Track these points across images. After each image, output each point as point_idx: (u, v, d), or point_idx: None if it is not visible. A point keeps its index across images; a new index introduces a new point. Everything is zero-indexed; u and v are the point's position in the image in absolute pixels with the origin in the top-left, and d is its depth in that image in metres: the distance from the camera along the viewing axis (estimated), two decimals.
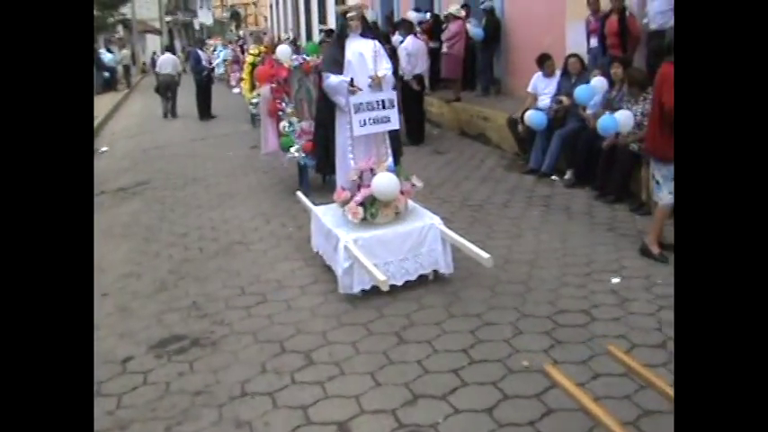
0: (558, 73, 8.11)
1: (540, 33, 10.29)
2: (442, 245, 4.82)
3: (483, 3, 11.85)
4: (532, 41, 10.37)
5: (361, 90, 4.88)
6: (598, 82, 7.12)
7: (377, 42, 5.12)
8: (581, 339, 3.96)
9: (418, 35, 11.21)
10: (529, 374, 3.61)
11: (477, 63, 12.13)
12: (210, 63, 18.16)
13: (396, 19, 15.25)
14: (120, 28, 37.47)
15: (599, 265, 5.09)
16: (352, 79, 4.90)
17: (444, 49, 11.57)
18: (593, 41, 8.95)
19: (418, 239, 4.78)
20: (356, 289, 4.64)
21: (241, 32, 36.22)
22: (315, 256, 5.43)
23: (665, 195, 5.04)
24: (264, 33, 25.86)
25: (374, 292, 4.56)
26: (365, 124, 4.85)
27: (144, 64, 38.35)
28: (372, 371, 3.75)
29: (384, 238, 4.73)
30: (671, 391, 2.56)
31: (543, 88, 8.22)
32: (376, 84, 4.91)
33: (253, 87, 10.51)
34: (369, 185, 4.80)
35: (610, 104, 7.01)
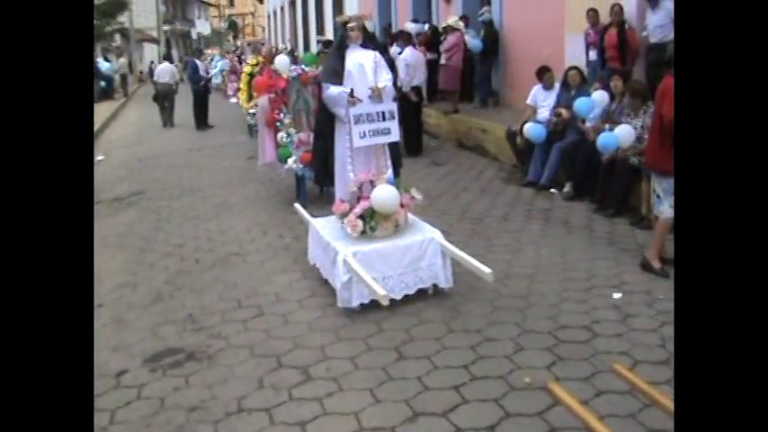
0: (557, 85, 8.09)
1: (538, 45, 10.30)
2: (442, 259, 4.76)
3: (482, 14, 11.88)
4: (531, 54, 10.38)
5: (361, 101, 4.83)
6: (599, 95, 7.09)
7: (377, 53, 5.08)
8: (583, 356, 3.90)
9: (416, 46, 11.21)
10: (531, 391, 3.55)
11: (476, 75, 12.15)
12: (208, 73, 18.15)
13: (394, 30, 15.27)
14: (117, 37, 37.45)
15: (600, 280, 5.05)
16: (352, 90, 4.86)
17: (442, 61, 11.58)
18: (593, 54, 8.96)
19: (418, 253, 4.72)
20: (355, 303, 4.57)
21: (239, 43, 36.24)
22: (312, 269, 5.37)
23: (665, 209, 5.00)
24: (262, 44, 25.86)
25: (373, 306, 4.50)
26: (365, 136, 4.79)
27: (141, 73, 38.34)
28: (372, 387, 3.69)
29: (383, 251, 4.67)
30: None
31: (542, 101, 8.20)
32: (376, 95, 4.87)
33: (250, 98, 10.48)
34: (368, 198, 4.75)
35: (609, 117, 6.99)
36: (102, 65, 26.39)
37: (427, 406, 3.47)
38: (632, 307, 4.54)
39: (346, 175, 4.96)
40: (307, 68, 7.55)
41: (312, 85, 7.33)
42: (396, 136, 4.99)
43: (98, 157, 12.72)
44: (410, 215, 5.01)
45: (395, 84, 5.10)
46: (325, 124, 5.19)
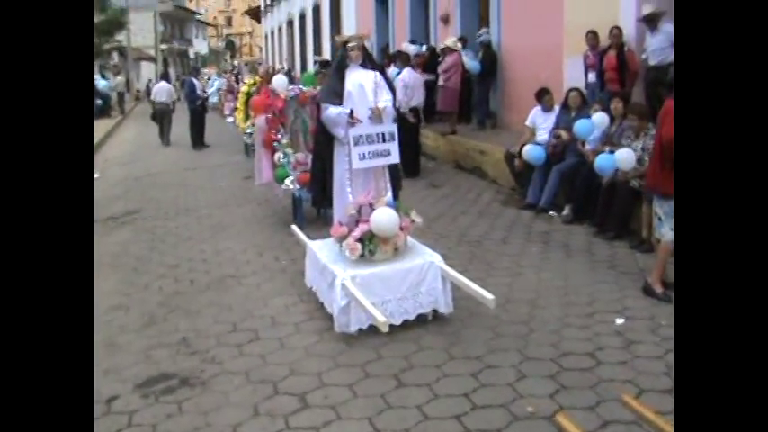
0: (556, 108, 8.06)
1: (537, 67, 10.30)
2: (442, 283, 4.66)
3: (480, 36, 11.90)
4: (529, 75, 10.38)
5: (360, 122, 4.77)
6: (599, 118, 7.06)
7: (377, 73, 5.03)
8: (587, 384, 3.80)
9: (414, 68, 11.20)
10: (534, 421, 3.45)
11: (474, 96, 12.13)
12: (205, 92, 18.15)
13: (391, 51, 15.29)
14: (115, 55, 37.55)
15: (602, 305, 4.96)
16: (351, 111, 4.79)
17: (440, 82, 11.55)
18: (591, 76, 8.94)
19: (418, 277, 4.63)
20: (353, 328, 4.47)
21: (236, 62, 36.43)
22: (309, 292, 5.27)
23: (667, 232, 4.94)
24: (259, 63, 25.98)
25: (371, 330, 4.40)
26: (365, 158, 4.72)
27: (138, 91, 38.39)
28: (370, 416, 3.58)
29: (382, 275, 4.57)
30: None
31: (542, 123, 8.16)
32: (376, 116, 4.81)
33: (247, 117, 10.45)
34: (367, 221, 4.66)
35: (609, 140, 6.94)
36: (99, 82, 26.41)
37: None
38: (636, 333, 4.46)
39: (345, 197, 4.89)
40: (304, 88, 7.51)
41: (310, 105, 7.28)
42: (396, 158, 4.91)
43: (94, 175, 12.65)
44: (409, 238, 4.92)
45: (393, 104, 5.05)
46: (323, 145, 5.12)
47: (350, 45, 4.94)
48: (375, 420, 3.54)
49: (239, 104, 11.50)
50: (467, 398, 3.71)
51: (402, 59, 11.46)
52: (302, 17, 28.56)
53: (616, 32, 8.43)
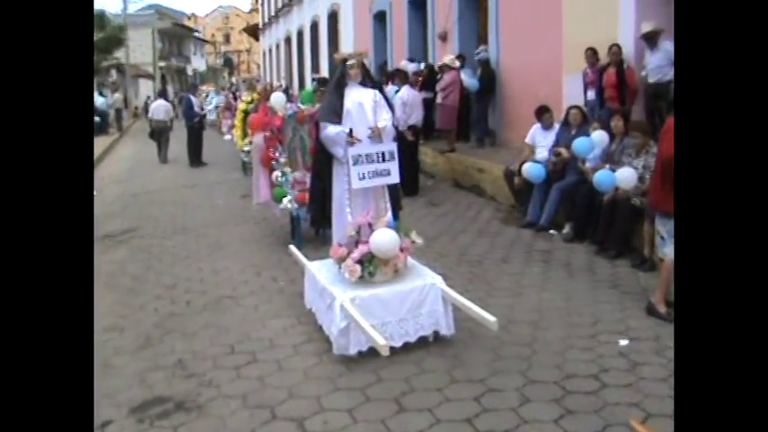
0: (556, 125, 8.02)
1: (536, 85, 10.28)
2: (443, 305, 4.58)
3: (478, 53, 11.89)
4: (528, 93, 10.36)
5: (360, 141, 4.71)
6: (598, 136, 7.02)
7: (377, 92, 4.97)
8: (593, 408, 3.72)
9: (413, 85, 11.18)
10: None
11: (472, 114, 12.11)
12: (203, 109, 18.14)
13: (389, 68, 15.29)
14: (113, 72, 37.61)
15: (605, 326, 4.88)
16: (351, 129, 4.73)
17: (439, 100, 11.52)
18: (591, 94, 8.92)
19: (418, 299, 4.54)
20: (352, 350, 4.38)
21: (234, 79, 36.48)
22: (308, 313, 5.19)
23: (670, 251, 4.87)
24: (257, 80, 26.00)
25: (371, 353, 4.31)
26: (364, 177, 4.65)
27: (136, 108, 38.43)
28: None
29: (382, 297, 4.49)
30: None
31: (541, 141, 8.12)
32: (376, 135, 4.75)
33: (245, 135, 10.40)
34: (367, 242, 4.58)
35: (610, 158, 6.90)
36: (97, 99, 26.40)
37: None
38: (640, 355, 4.37)
39: (344, 217, 4.81)
40: (303, 106, 7.46)
41: (308, 123, 7.22)
42: (396, 178, 4.82)
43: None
44: (410, 259, 4.84)
45: (392, 123, 4.99)
46: (322, 164, 5.04)
47: (349, 63, 4.88)
48: None
49: (237, 122, 11.48)
50: (469, 423, 3.61)
51: (400, 77, 11.45)
52: (300, 35, 28.64)
53: (615, 50, 8.41)
